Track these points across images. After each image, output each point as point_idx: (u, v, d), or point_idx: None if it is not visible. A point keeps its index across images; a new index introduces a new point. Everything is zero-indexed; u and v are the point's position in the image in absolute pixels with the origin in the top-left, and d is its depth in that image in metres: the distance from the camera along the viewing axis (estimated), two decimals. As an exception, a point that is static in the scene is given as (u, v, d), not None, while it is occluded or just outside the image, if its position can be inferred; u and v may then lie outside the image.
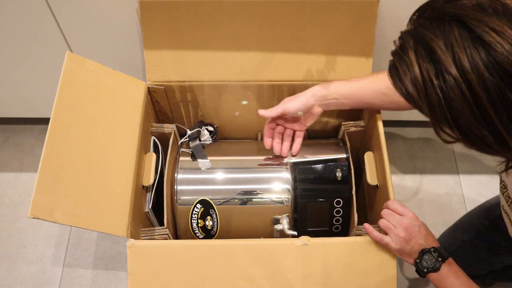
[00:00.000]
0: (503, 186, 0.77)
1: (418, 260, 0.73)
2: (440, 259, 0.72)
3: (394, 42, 0.53)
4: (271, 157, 0.96)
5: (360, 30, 0.92)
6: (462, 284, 0.71)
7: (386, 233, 0.77)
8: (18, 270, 1.24)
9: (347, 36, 0.92)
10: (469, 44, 0.44)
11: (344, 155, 0.95)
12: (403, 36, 0.51)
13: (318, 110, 0.88)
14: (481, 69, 0.44)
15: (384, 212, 0.79)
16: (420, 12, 0.51)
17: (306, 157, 0.95)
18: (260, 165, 0.96)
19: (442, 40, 0.46)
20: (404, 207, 0.78)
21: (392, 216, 0.77)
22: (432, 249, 0.73)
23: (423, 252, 0.73)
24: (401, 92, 0.51)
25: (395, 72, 0.51)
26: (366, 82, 0.85)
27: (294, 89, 0.99)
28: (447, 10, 0.47)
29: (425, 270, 0.72)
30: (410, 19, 0.52)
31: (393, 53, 0.52)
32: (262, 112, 0.89)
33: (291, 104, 0.87)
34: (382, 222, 0.78)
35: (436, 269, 0.72)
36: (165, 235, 0.85)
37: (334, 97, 0.86)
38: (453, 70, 0.45)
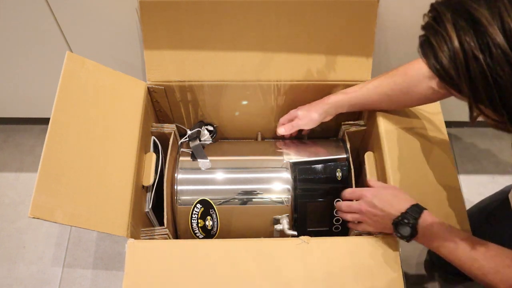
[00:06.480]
0: None
1: (395, 233, 0.71)
2: (411, 222, 0.68)
3: (425, 15, 0.47)
4: (271, 157, 0.96)
5: (360, 30, 0.92)
6: (444, 232, 0.67)
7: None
8: (18, 270, 1.24)
9: (347, 36, 0.92)
10: None
11: (344, 155, 0.95)
12: (437, 7, 0.45)
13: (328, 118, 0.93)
14: None
15: (341, 204, 0.82)
16: None
17: (306, 157, 0.95)
18: (260, 165, 0.96)
19: (487, 9, 0.40)
20: (357, 189, 0.79)
21: (352, 206, 0.78)
22: (400, 217, 0.69)
23: (395, 224, 0.70)
24: (435, 70, 0.45)
25: (429, 48, 0.45)
26: (368, 88, 0.87)
27: (293, 89, 0.99)
28: None
29: (406, 240, 0.70)
30: None
31: (425, 27, 0.46)
32: (281, 131, 0.96)
33: (305, 123, 0.93)
34: (349, 216, 0.80)
35: (413, 235, 0.69)
36: (165, 235, 0.85)
37: (343, 111, 0.91)
38: (502, 42, 0.40)
